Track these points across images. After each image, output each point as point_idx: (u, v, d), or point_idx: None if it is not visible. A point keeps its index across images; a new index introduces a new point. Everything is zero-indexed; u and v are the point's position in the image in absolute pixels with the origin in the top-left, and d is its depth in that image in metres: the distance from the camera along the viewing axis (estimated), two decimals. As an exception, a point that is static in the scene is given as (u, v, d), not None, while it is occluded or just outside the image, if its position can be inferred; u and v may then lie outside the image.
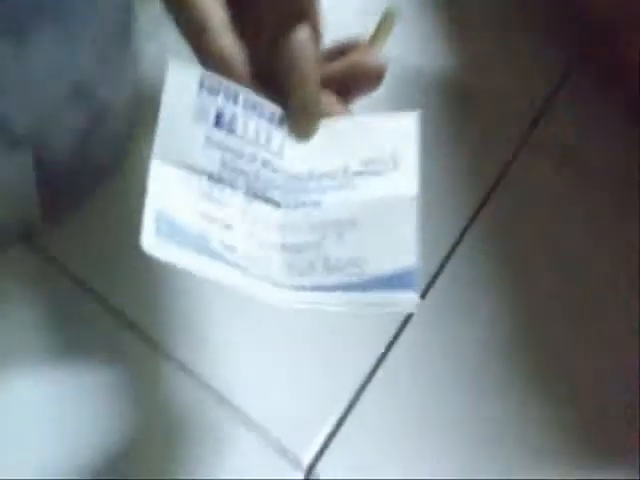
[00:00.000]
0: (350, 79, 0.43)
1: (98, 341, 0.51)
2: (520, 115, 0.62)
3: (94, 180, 0.52)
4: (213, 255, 0.39)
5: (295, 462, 0.49)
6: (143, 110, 0.51)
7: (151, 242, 0.38)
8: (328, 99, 0.42)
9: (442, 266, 0.56)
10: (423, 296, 0.52)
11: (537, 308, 0.55)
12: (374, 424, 0.50)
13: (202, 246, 0.39)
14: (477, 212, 0.58)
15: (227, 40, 0.40)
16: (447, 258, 0.56)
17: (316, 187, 0.43)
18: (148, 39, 0.52)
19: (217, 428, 0.49)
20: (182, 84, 0.40)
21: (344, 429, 0.50)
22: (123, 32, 0.48)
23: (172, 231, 0.38)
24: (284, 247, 0.42)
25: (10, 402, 0.48)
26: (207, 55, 0.40)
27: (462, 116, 0.61)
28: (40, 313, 0.51)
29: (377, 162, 0.43)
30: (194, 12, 0.40)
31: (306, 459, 0.49)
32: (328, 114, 0.42)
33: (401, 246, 0.40)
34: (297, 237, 0.42)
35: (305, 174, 0.43)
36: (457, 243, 0.57)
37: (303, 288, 0.40)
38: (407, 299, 0.39)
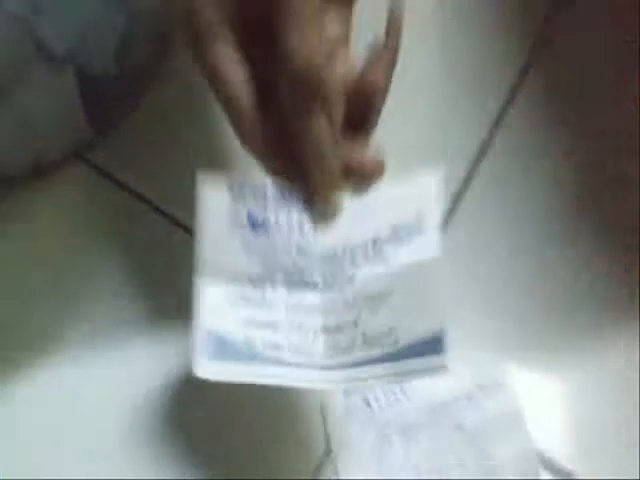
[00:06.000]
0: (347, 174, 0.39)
1: (156, 244, 0.53)
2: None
3: (137, 89, 0.52)
4: (263, 360, 0.40)
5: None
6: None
7: (204, 367, 0.39)
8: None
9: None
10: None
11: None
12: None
13: (251, 355, 0.40)
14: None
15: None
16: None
17: (350, 261, 0.43)
18: None
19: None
20: (214, 196, 0.41)
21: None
22: None
23: (222, 350, 0.40)
24: (325, 329, 0.42)
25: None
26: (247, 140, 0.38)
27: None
28: (103, 226, 0.53)
29: (404, 227, 0.42)
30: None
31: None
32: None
33: (430, 312, 0.40)
34: (336, 316, 0.42)
35: (339, 249, 0.43)
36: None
37: (346, 365, 0.41)
38: (436, 364, 0.39)
